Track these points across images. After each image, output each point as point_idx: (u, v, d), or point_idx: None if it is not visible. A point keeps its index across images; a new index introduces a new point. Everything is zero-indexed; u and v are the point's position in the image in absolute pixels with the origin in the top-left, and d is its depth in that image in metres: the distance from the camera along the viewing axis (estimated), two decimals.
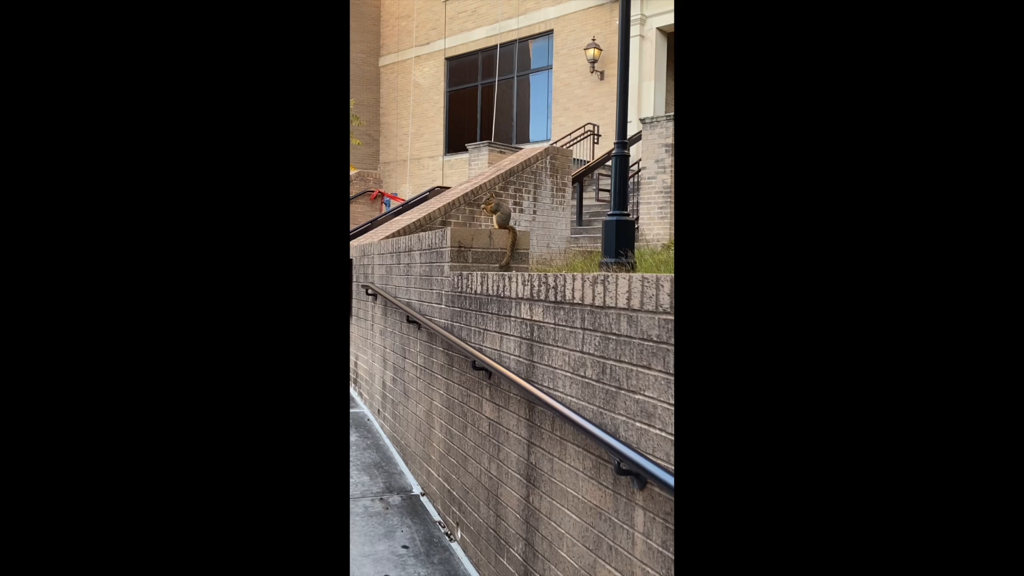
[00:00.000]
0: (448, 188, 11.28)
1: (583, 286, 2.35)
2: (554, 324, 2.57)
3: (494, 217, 3.93)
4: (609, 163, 12.44)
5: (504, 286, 3.02)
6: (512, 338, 2.96)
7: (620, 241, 6.45)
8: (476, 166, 11.97)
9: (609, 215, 6.53)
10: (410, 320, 4.39)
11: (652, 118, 10.19)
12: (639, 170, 9.97)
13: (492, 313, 3.17)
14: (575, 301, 2.41)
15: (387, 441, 5.14)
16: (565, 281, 2.48)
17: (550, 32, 15.64)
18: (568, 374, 2.46)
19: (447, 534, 3.71)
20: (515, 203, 8.12)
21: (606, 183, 10.81)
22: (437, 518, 3.89)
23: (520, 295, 2.86)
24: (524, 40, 16.33)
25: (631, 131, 13.85)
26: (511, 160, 8.58)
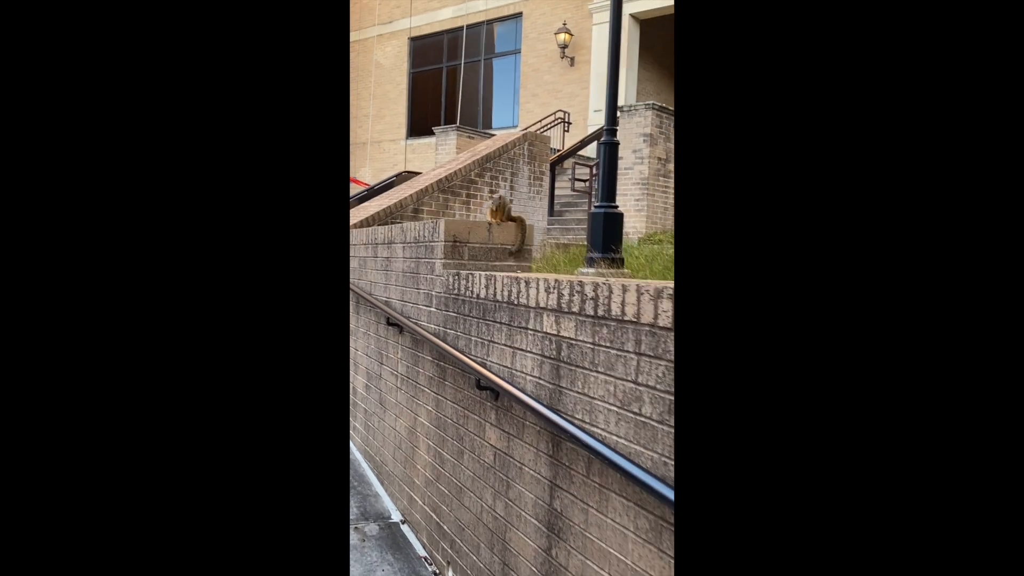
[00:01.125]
0: (418, 173, 10.71)
1: (639, 300, 1.87)
2: (593, 344, 2.09)
3: (493, 210, 3.41)
4: (582, 152, 12.02)
5: (520, 292, 2.53)
6: (530, 355, 2.46)
7: (608, 235, 5.99)
8: (443, 151, 11.41)
9: (597, 207, 6.06)
10: (391, 322, 3.86)
11: (630, 106, 9.77)
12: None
13: (501, 323, 2.67)
14: (626, 318, 1.93)
15: (358, 455, 4.60)
16: (611, 291, 1.99)
17: (519, 15, 15.10)
18: (614, 408, 1.98)
19: (435, 573, 3.21)
20: (491, 191, 7.60)
21: (580, 172, 10.35)
22: (423, 553, 3.39)
23: (543, 304, 2.37)
24: (492, 22, 15.76)
25: (602, 120, 13.44)
26: (487, 145, 8.05)
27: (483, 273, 2.85)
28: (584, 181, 10.01)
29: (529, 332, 2.47)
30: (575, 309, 2.18)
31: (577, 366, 2.17)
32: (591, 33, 14.02)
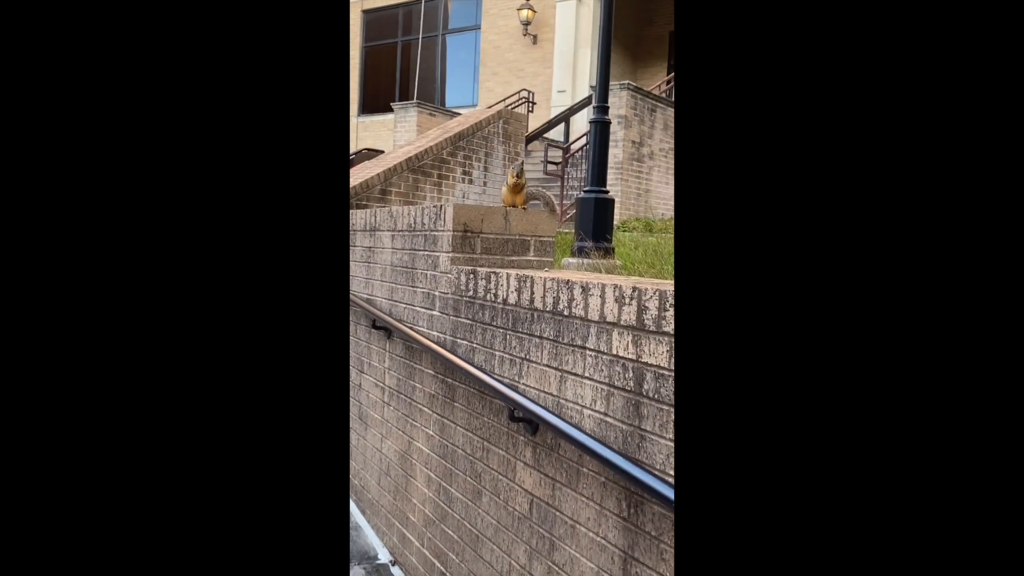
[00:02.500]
0: (379, 151, 10.02)
1: None
2: None
3: (510, 187, 2.84)
4: (548, 135, 11.47)
5: (573, 300, 1.96)
6: (589, 383, 1.91)
7: (599, 222, 5.47)
8: (403, 128, 10.72)
9: (587, 191, 5.54)
10: (377, 325, 3.26)
11: None
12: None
13: (543, 337, 2.11)
14: None
15: None
16: None
17: None
18: None
19: None
20: (464, 172, 7.00)
21: (553, 155, 9.80)
22: None
23: (611, 318, 1.81)
24: None
25: (569, 100, 12.91)
26: (459, 122, 7.44)
27: (513, 272, 2.28)
28: (556, 164, 9.47)
29: (588, 353, 1.91)
30: (667, 328, 1.63)
31: (672, 405, 1.62)
32: (555, 10, 13.45)
